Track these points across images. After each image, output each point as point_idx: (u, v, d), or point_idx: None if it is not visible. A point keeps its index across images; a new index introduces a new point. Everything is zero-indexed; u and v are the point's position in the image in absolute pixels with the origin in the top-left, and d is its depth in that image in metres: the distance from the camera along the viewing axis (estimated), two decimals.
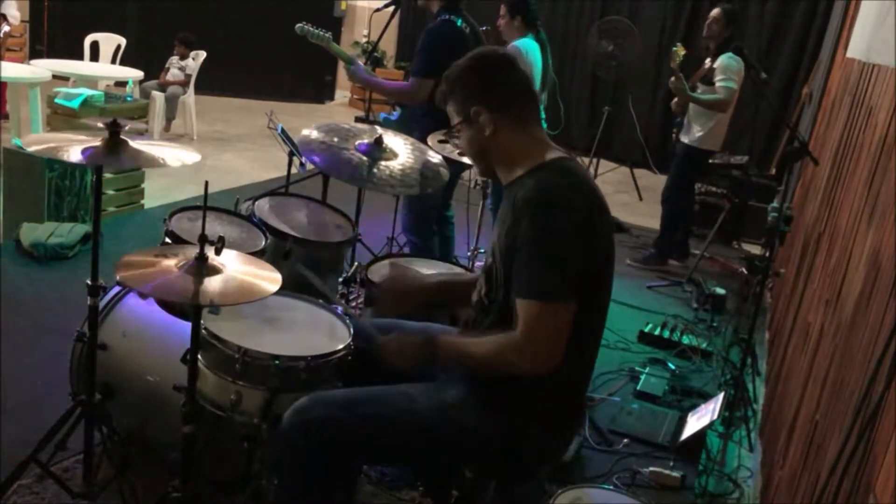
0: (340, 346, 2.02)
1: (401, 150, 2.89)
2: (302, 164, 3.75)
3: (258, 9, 9.28)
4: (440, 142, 3.24)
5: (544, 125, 4.48)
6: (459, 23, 3.68)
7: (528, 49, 4.27)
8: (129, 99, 5.97)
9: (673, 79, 4.77)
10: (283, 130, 3.73)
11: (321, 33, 3.72)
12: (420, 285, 2.21)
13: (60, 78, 6.24)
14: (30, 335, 3.26)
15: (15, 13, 6.74)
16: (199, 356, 1.96)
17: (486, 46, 1.94)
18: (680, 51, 4.75)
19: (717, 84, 4.80)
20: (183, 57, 7.28)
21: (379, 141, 2.80)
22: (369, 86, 3.99)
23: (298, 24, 3.74)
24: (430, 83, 3.52)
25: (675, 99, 5.13)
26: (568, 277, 1.72)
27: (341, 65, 3.85)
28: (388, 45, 9.85)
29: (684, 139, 5.09)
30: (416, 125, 3.57)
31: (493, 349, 1.78)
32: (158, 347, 2.28)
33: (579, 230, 1.73)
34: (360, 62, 3.88)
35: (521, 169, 1.84)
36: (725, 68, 4.78)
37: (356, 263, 2.96)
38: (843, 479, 1.54)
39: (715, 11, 4.97)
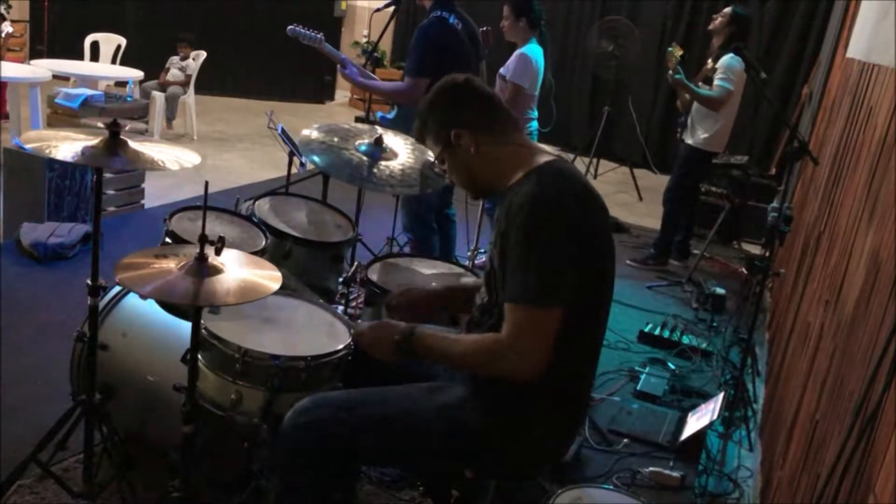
0: (340, 346, 2.02)
1: (401, 150, 2.89)
2: (302, 164, 3.75)
3: (258, 9, 9.28)
4: None
5: (536, 124, 4.50)
6: (451, 19, 3.66)
7: (535, 56, 4.28)
8: (129, 99, 5.97)
9: (670, 72, 4.78)
10: (283, 130, 3.73)
11: (313, 34, 3.71)
12: (430, 294, 2.23)
13: (60, 78, 6.24)
14: (30, 335, 3.26)
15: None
16: (200, 356, 1.96)
17: (444, 77, 1.97)
18: (676, 51, 4.76)
19: (715, 82, 4.82)
20: (185, 57, 7.28)
21: (379, 141, 2.80)
22: (363, 87, 3.98)
23: (289, 27, 3.73)
24: (424, 82, 3.51)
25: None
26: (557, 283, 1.70)
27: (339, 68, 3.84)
28: (386, 45, 9.84)
29: (688, 140, 5.09)
30: (413, 123, 3.57)
31: (475, 349, 1.78)
32: (158, 347, 2.28)
33: (572, 233, 1.72)
34: (360, 62, 3.87)
35: (514, 176, 1.84)
36: (727, 68, 4.80)
37: (356, 263, 2.96)
38: (843, 479, 1.54)
39: (727, 9, 4.99)
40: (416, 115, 2.01)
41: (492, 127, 1.89)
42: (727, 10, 4.97)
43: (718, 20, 4.96)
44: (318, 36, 3.73)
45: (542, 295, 1.69)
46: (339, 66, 3.81)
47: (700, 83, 5.01)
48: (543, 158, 1.85)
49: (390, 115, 4.01)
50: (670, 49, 4.79)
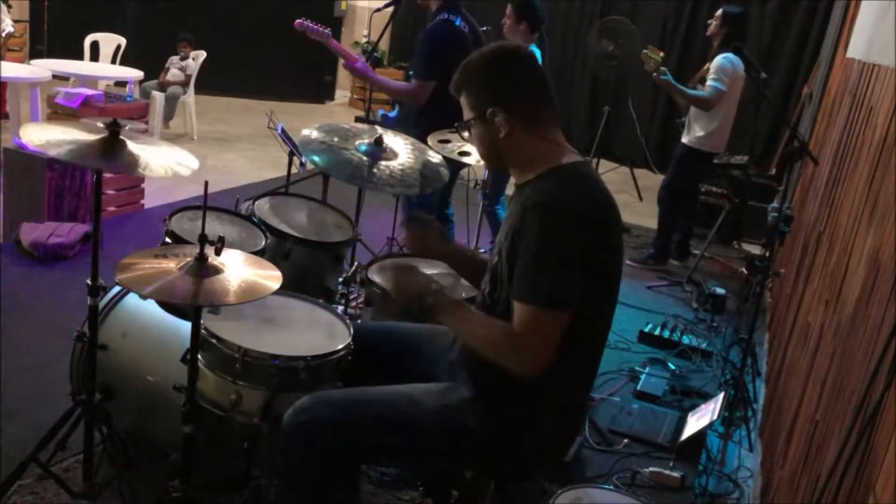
0: (340, 346, 2.02)
1: (401, 150, 2.88)
2: (302, 164, 3.75)
3: (258, 9, 9.29)
4: (440, 141, 3.24)
5: None
6: (458, 22, 3.67)
7: None
8: (129, 99, 5.97)
9: (655, 74, 4.79)
10: (283, 130, 3.73)
11: (320, 29, 3.72)
12: (445, 250, 2.23)
13: (60, 78, 6.24)
14: (30, 335, 3.26)
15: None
16: (199, 356, 1.96)
17: (508, 42, 1.90)
18: (652, 53, 4.75)
19: (707, 83, 4.84)
20: (185, 57, 7.28)
21: (379, 141, 2.80)
22: (372, 81, 3.98)
23: (297, 21, 3.75)
24: (431, 84, 3.52)
25: None
26: (567, 285, 1.70)
27: (341, 64, 3.84)
28: (386, 45, 9.84)
29: (685, 140, 5.11)
30: (413, 123, 3.57)
31: (487, 332, 1.78)
32: (158, 347, 2.28)
33: (586, 237, 1.71)
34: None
35: (534, 171, 1.82)
36: (717, 68, 4.82)
37: (356, 263, 2.96)
38: (843, 479, 1.54)
39: (718, 11, 5.01)
40: (416, 115, 1.99)
41: (531, 118, 1.82)
42: (718, 12, 4.99)
43: (713, 24, 4.99)
44: (326, 31, 3.74)
45: (551, 298, 1.69)
46: (343, 61, 3.81)
47: (697, 84, 5.03)
48: (567, 159, 1.82)
49: (392, 114, 4.01)
50: (645, 51, 4.79)
